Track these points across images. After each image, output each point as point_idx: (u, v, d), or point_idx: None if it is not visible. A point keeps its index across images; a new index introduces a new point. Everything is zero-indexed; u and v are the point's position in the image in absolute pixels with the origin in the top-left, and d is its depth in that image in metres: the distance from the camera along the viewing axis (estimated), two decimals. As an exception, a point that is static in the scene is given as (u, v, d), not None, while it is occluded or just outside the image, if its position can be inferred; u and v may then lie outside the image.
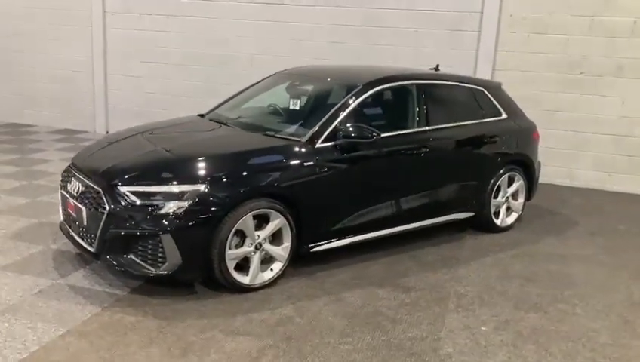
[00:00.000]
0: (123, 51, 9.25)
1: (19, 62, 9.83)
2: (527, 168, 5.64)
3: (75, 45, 9.47)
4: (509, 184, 5.53)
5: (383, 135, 4.48)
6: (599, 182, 7.55)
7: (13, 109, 10.00)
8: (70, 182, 4.17)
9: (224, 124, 4.82)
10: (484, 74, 7.47)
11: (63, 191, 4.28)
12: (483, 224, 5.44)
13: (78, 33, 9.42)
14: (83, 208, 3.91)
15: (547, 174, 7.61)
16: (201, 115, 5.22)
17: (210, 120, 5.01)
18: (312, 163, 4.18)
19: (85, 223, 3.91)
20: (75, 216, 4.06)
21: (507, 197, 5.53)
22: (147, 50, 9.11)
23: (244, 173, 3.93)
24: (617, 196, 7.26)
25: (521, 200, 5.67)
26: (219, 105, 5.37)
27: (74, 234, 4.12)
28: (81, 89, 9.60)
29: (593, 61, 7.30)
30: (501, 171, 5.38)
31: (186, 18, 8.82)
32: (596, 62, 7.29)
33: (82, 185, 4.00)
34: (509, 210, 5.61)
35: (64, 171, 4.40)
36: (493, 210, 5.42)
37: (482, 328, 3.70)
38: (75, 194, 4.03)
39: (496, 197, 5.43)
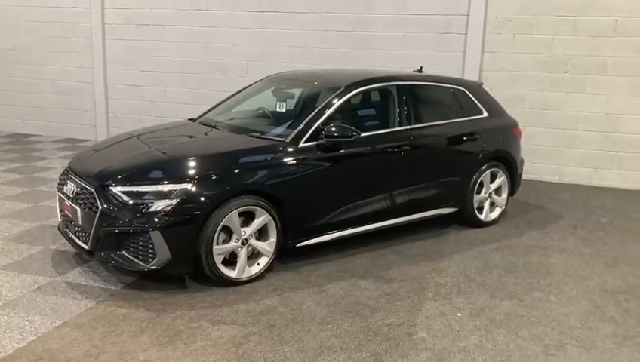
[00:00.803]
0: (122, 61, 9.53)
1: (22, 75, 10.15)
2: (510, 164, 5.82)
3: (76, 56, 9.77)
4: (492, 180, 5.72)
5: (364, 134, 4.71)
6: (587, 177, 7.71)
7: (17, 120, 10.31)
8: (67, 185, 4.40)
9: (214, 127, 5.04)
10: (471, 75, 7.67)
11: (60, 194, 4.51)
12: (467, 219, 5.63)
13: (79, 45, 9.71)
14: (78, 208, 4.13)
15: (536, 171, 7.82)
16: (193, 120, 5.45)
17: (201, 123, 5.23)
18: (295, 162, 4.39)
19: (80, 222, 4.14)
20: (71, 216, 4.29)
21: (490, 193, 5.71)
22: (146, 59, 9.39)
23: (230, 172, 4.14)
24: (603, 191, 7.42)
25: (504, 195, 5.85)
26: (209, 110, 5.60)
27: (70, 234, 4.35)
28: (83, 99, 9.89)
29: (578, 60, 7.48)
30: (483, 167, 5.56)
31: (183, 28, 9.09)
32: (581, 62, 7.47)
33: (77, 187, 4.23)
34: (492, 205, 5.80)
35: (61, 174, 4.64)
36: (476, 205, 5.61)
37: (457, 314, 3.88)
38: (71, 195, 4.26)
39: (479, 192, 5.61)
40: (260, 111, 5.38)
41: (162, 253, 3.89)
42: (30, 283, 4.12)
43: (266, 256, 4.31)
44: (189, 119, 5.52)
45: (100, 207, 3.94)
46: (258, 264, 4.30)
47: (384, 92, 5.24)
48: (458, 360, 3.32)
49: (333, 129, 4.49)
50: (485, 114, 5.74)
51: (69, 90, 9.93)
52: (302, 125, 4.58)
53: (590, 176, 7.70)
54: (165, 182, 3.98)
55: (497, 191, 5.81)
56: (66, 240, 4.58)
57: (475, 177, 5.51)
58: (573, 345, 3.53)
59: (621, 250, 5.24)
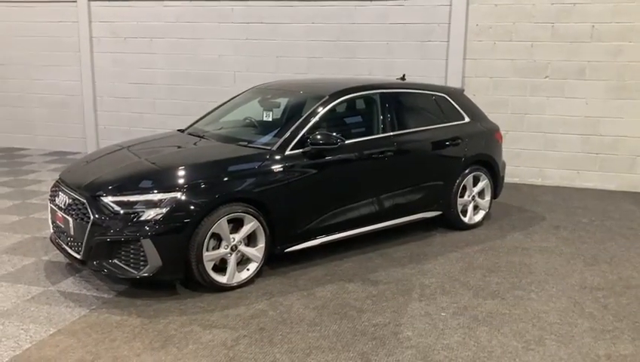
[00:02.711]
0: (111, 74, 9.63)
1: (12, 89, 10.22)
2: (492, 168, 5.98)
3: (65, 70, 9.87)
4: (475, 183, 5.86)
5: (349, 141, 4.86)
6: (569, 179, 7.90)
7: (6, 134, 10.37)
8: (58, 196, 4.49)
9: (202, 137, 5.16)
10: (454, 81, 7.85)
11: (51, 205, 4.59)
12: (451, 222, 5.77)
13: (67, 59, 9.81)
14: (70, 219, 4.23)
15: (519, 174, 7.99)
16: (181, 130, 5.56)
17: (189, 134, 5.34)
18: (282, 169, 4.51)
19: (72, 233, 4.23)
20: (63, 227, 4.38)
21: (473, 196, 5.86)
22: (134, 71, 9.50)
23: (219, 181, 4.25)
24: (585, 192, 7.61)
25: (487, 198, 6.00)
26: (198, 120, 5.72)
27: (63, 244, 4.44)
28: (72, 112, 9.98)
29: (557, 65, 7.69)
30: (466, 171, 5.71)
31: (170, 40, 9.21)
32: (560, 66, 7.68)
33: (69, 198, 4.32)
34: (476, 208, 5.94)
35: (53, 186, 4.73)
36: (460, 208, 5.75)
37: (441, 314, 4.01)
38: (63, 206, 4.35)
39: (462, 196, 5.76)
40: (247, 120, 5.50)
41: (153, 260, 3.99)
42: (24, 294, 4.20)
43: (255, 261, 4.42)
44: (178, 130, 5.63)
45: (92, 217, 4.04)
46: (248, 269, 4.41)
47: (368, 100, 5.38)
48: (442, 357, 3.44)
49: (319, 137, 4.62)
50: (467, 119, 5.90)
51: (58, 104, 10.02)
52: (288, 133, 4.70)
53: (572, 178, 7.89)
54: (155, 191, 4.08)
55: (480, 194, 5.95)
56: (58, 251, 4.66)
57: (458, 181, 5.66)
58: (553, 339, 3.67)
59: (601, 248, 5.40)
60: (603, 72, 7.52)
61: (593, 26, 7.45)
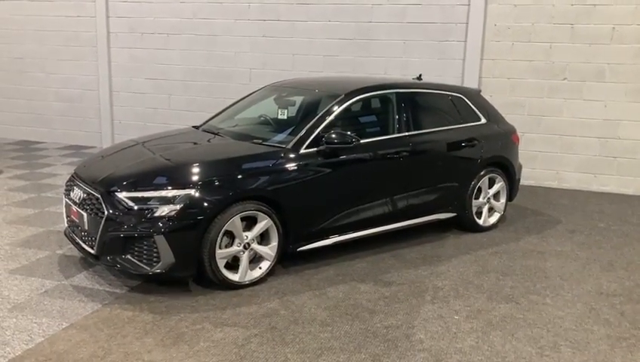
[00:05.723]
0: (127, 69, 9.68)
1: (28, 83, 10.30)
2: (508, 170, 5.91)
3: (82, 65, 9.93)
4: (490, 185, 5.80)
5: (364, 140, 4.82)
6: (586, 183, 7.80)
7: (23, 127, 10.46)
8: (73, 191, 4.51)
9: (217, 134, 5.15)
10: (471, 82, 7.78)
11: (66, 199, 4.61)
12: (466, 224, 5.72)
13: (85, 53, 9.87)
14: (84, 214, 4.24)
15: (536, 177, 7.91)
16: (196, 127, 5.56)
17: (204, 130, 5.34)
18: (296, 167, 4.49)
19: (86, 227, 4.25)
20: (77, 221, 4.40)
21: (488, 198, 5.80)
22: (150, 67, 9.53)
23: (232, 178, 4.24)
24: (602, 196, 7.50)
25: (502, 200, 5.94)
26: (213, 117, 5.71)
27: (77, 239, 4.46)
28: (88, 106, 10.04)
29: (575, 67, 7.58)
30: (481, 173, 5.66)
31: (186, 36, 9.23)
32: (578, 68, 7.58)
33: (83, 193, 4.34)
34: (491, 210, 5.88)
35: (68, 180, 4.75)
36: (475, 210, 5.69)
37: (455, 317, 3.97)
38: (77, 201, 4.37)
39: (477, 198, 5.70)
40: (262, 118, 5.49)
41: (166, 257, 3.99)
42: (38, 287, 4.23)
43: (267, 259, 4.41)
44: (193, 126, 5.63)
45: (106, 213, 4.05)
46: (260, 268, 4.40)
47: (383, 99, 5.34)
48: (455, 361, 3.41)
49: (334, 136, 4.59)
50: (483, 120, 5.84)
51: (74, 98, 10.09)
52: (303, 132, 4.68)
53: (589, 182, 7.79)
54: (169, 188, 4.09)
55: (496, 196, 5.89)
56: (72, 245, 4.69)
57: (473, 183, 5.60)
58: (568, 346, 3.61)
59: (618, 254, 5.32)
60: (623, 75, 7.41)
61: (614, 28, 7.34)
